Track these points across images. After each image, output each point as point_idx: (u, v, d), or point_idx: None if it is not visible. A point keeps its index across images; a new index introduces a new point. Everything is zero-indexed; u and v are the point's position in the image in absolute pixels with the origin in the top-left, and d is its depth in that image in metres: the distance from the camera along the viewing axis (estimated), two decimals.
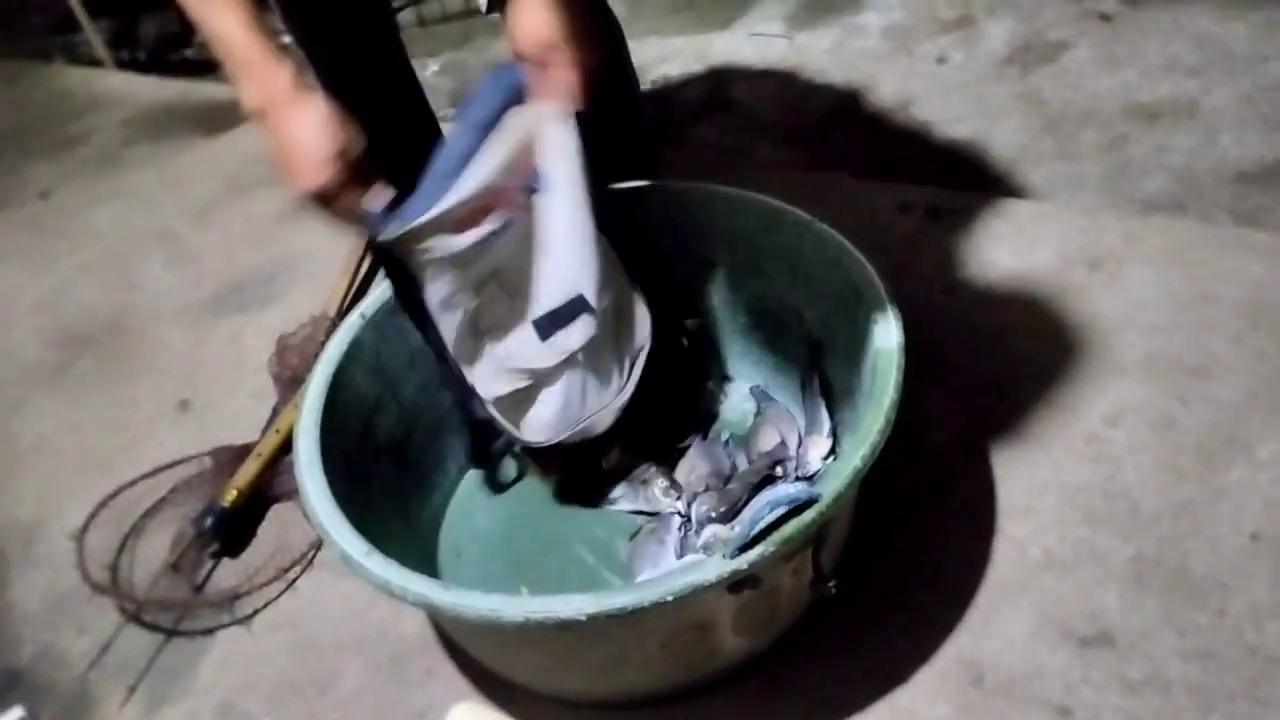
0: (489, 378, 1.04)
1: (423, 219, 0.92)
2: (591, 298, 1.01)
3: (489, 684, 1.05)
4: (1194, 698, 0.92)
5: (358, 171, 0.91)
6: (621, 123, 1.44)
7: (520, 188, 0.98)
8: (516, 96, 0.97)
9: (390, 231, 0.92)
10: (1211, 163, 1.53)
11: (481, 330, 1.03)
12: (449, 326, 1.01)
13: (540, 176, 0.99)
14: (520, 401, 1.05)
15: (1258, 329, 1.23)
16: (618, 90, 1.43)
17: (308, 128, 0.89)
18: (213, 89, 2.38)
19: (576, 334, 1.01)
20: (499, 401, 1.05)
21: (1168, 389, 1.18)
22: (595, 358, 1.05)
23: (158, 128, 2.27)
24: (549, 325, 1.01)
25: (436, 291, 0.98)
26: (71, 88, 2.58)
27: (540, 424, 1.06)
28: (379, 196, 0.92)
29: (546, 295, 1.01)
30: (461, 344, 1.03)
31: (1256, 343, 1.21)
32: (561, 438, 1.06)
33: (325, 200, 0.90)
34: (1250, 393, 1.16)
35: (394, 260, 0.97)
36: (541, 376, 1.03)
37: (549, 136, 0.98)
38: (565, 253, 1.00)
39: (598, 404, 1.06)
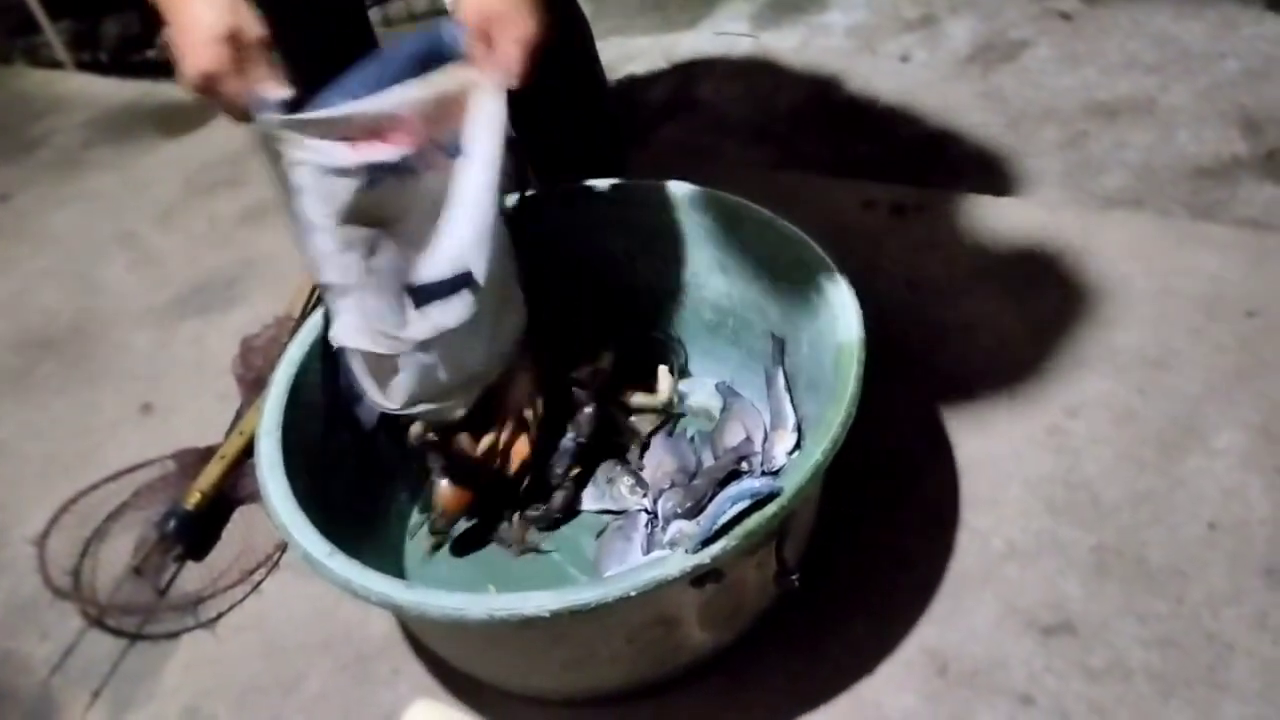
0: (352, 327, 0.98)
1: (310, 115, 0.88)
2: (479, 275, 0.96)
3: (456, 683, 1.04)
4: (1154, 684, 0.94)
5: (250, 58, 0.87)
6: (591, 122, 1.44)
7: (437, 143, 0.94)
8: (451, 51, 0.93)
9: (272, 117, 0.87)
10: (1169, 158, 1.56)
11: (356, 273, 0.96)
12: (320, 250, 0.94)
13: (462, 141, 0.95)
14: (379, 365, 1.00)
15: (1215, 321, 1.24)
16: (586, 89, 1.43)
17: (200, 6, 0.86)
18: (175, 90, 2.35)
19: (454, 312, 0.97)
20: (352, 353, 1.00)
21: (1127, 381, 1.20)
22: (467, 340, 1.00)
23: (119, 129, 2.25)
24: (428, 295, 0.97)
25: (310, 204, 0.91)
26: (31, 90, 2.54)
27: (394, 391, 1.01)
28: (272, 89, 0.88)
29: (434, 263, 0.96)
30: (327, 275, 0.96)
31: (1214, 335, 1.23)
32: (411, 411, 1.02)
33: (212, 86, 0.87)
34: (1208, 384, 1.18)
35: (276, 156, 0.90)
36: (408, 347, 0.98)
37: (480, 106, 0.94)
38: (465, 225, 0.96)
39: (462, 382, 1.02)
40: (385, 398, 1.02)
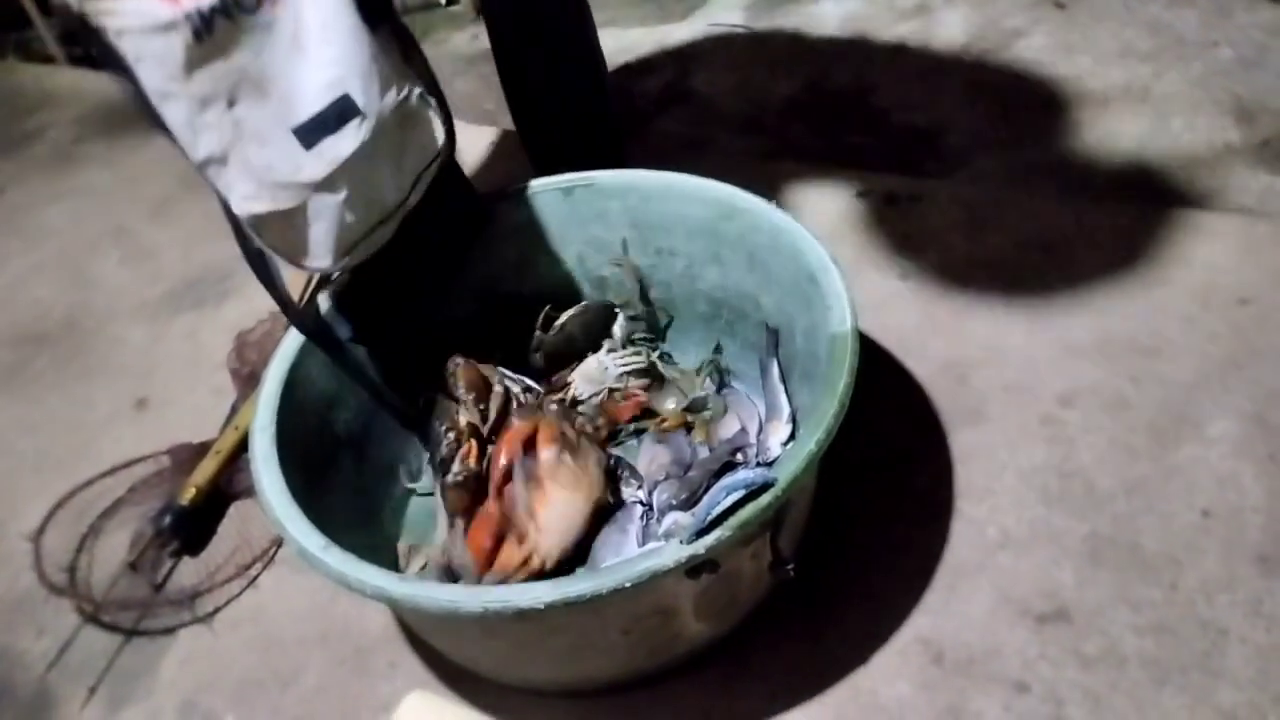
0: (247, 194, 0.94)
1: None
2: (359, 98, 0.93)
3: (453, 676, 1.05)
4: (1148, 671, 0.94)
5: None
6: (591, 123, 1.45)
7: None
8: None
9: None
10: (1163, 147, 1.56)
11: (227, 130, 0.91)
12: (178, 124, 0.89)
13: None
14: (290, 225, 0.96)
15: (1208, 310, 1.25)
16: (590, 90, 1.44)
17: None
18: None
19: (347, 140, 0.93)
20: (260, 224, 0.95)
21: (1121, 370, 1.20)
22: (370, 169, 0.97)
23: (112, 124, 2.24)
24: (313, 131, 0.92)
25: (149, 73, 0.86)
26: (23, 85, 2.53)
27: (315, 248, 0.98)
28: None
29: (307, 98, 0.92)
30: (201, 146, 0.91)
31: (1207, 323, 1.23)
32: (343, 263, 1.00)
33: None
34: (1201, 372, 1.18)
35: (102, 43, 0.86)
36: (310, 191, 0.94)
37: None
38: (324, 49, 0.92)
39: (378, 215, 0.99)
40: (311, 260, 0.99)
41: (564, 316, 1.23)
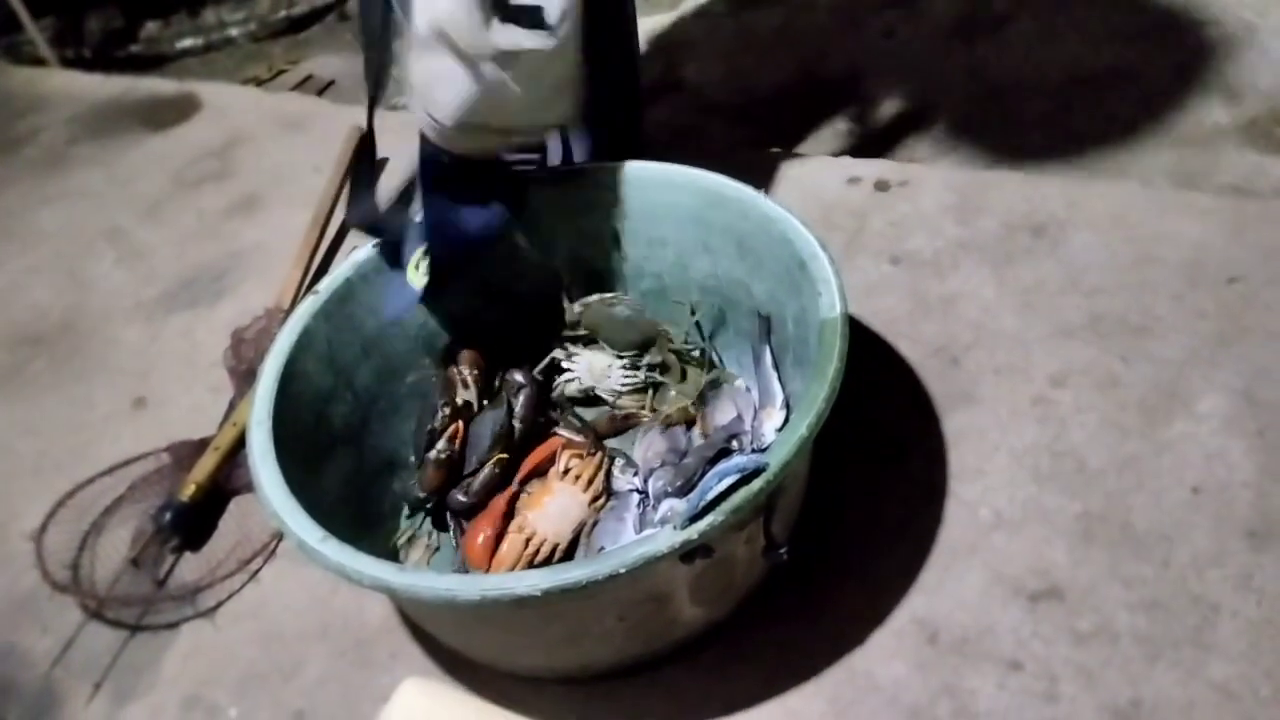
0: (444, 9, 0.96)
1: None
2: (552, 18, 0.96)
3: (453, 664, 1.06)
4: (1141, 647, 0.95)
5: None
6: (624, 105, 1.45)
7: None
8: None
9: None
10: (1151, 128, 1.56)
11: None
12: None
13: None
14: (441, 64, 0.98)
15: (1197, 288, 1.25)
16: (626, 74, 1.44)
17: None
18: (159, 84, 2.35)
19: (526, 40, 0.97)
20: (427, 45, 0.98)
21: (1111, 349, 1.21)
22: (527, 78, 0.99)
23: (104, 125, 2.24)
24: (509, 14, 0.96)
25: None
26: (15, 88, 2.53)
27: (445, 104, 1.00)
28: None
29: None
30: None
31: (1196, 301, 1.24)
32: (450, 133, 1.02)
33: None
34: (1191, 350, 1.19)
35: None
36: (487, 51, 0.96)
37: None
38: None
39: (500, 123, 1.02)
40: (433, 106, 1.01)
41: (621, 304, 1.25)
